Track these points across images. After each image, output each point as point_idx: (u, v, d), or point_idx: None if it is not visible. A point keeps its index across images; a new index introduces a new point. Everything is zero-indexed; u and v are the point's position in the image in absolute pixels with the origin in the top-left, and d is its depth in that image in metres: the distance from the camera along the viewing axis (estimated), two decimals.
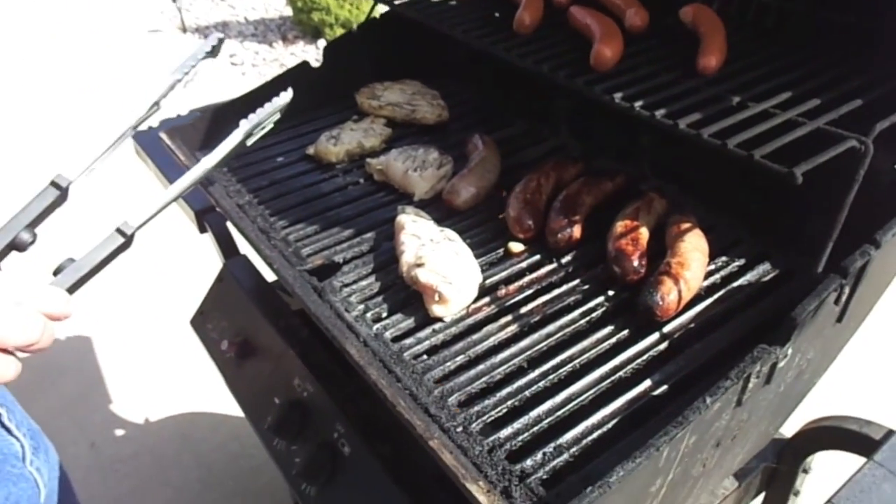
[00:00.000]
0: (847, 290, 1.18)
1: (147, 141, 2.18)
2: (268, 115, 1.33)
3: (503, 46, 1.57)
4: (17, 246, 1.08)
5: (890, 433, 1.51)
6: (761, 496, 1.88)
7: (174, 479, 3.27)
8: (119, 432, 3.53)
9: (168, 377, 3.69)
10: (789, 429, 1.77)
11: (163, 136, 1.98)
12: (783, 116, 1.25)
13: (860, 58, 1.43)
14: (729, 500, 1.72)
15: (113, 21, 8.41)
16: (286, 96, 1.34)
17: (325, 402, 1.67)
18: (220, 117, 2.06)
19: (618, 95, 1.34)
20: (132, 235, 1.10)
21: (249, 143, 1.33)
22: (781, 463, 1.71)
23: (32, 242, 1.10)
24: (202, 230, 2.23)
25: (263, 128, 1.35)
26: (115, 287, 3.92)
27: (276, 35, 8.15)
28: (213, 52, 1.44)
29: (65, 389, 3.69)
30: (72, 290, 1.02)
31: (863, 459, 1.44)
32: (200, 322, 2.24)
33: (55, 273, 1.03)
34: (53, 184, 1.13)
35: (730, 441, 1.31)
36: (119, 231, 1.09)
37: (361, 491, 1.52)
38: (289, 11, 8.24)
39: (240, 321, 2.00)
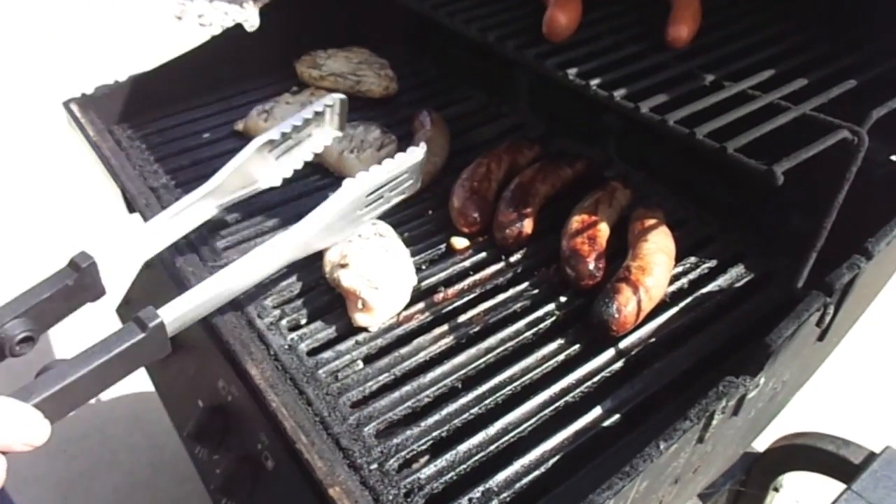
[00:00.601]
0: (831, 310, 1.00)
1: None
2: (388, 178, 1.06)
3: (446, 10, 1.35)
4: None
5: (870, 457, 1.36)
6: None
7: (124, 462, 3.12)
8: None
9: None
10: (762, 442, 1.61)
11: (73, 107, 1.76)
12: (764, 99, 1.06)
13: (855, 30, 1.24)
14: None
15: None
16: (418, 152, 1.09)
17: (250, 408, 1.49)
18: (141, 87, 1.84)
19: (572, 71, 1.14)
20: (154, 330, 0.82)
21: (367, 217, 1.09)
22: (750, 481, 1.56)
23: (25, 341, 0.80)
24: (131, 210, 2.03)
25: (382, 200, 1.09)
26: (62, 260, 3.71)
27: None
28: (324, 116, 1.20)
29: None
30: (49, 406, 0.71)
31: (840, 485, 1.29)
32: (127, 312, 2.05)
33: (37, 374, 0.75)
34: (71, 263, 0.86)
35: (691, 474, 1.14)
36: (137, 322, 0.81)
37: None
38: None
39: None
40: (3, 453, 0.66)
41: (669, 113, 1.02)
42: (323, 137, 1.23)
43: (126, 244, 0.94)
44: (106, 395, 3.35)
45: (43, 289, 0.83)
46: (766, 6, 1.33)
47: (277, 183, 1.22)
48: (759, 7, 1.33)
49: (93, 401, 3.35)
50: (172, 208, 1.02)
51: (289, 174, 1.21)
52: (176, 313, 0.86)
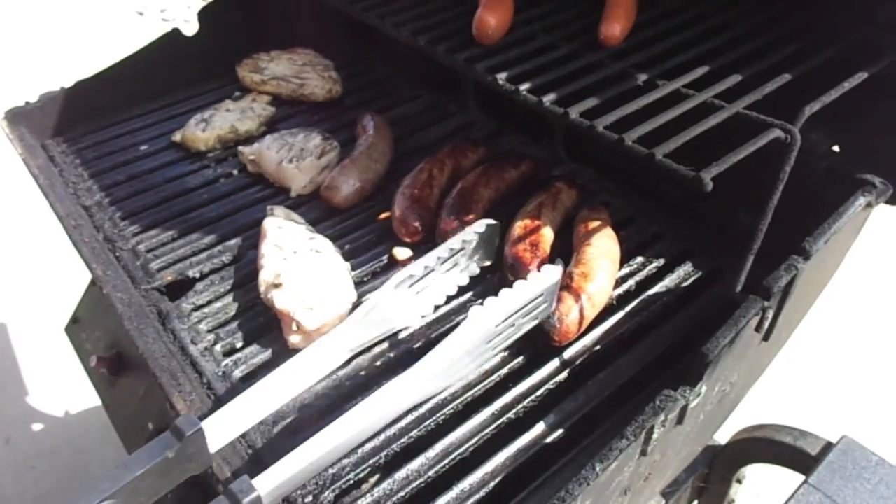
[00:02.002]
0: (770, 313, 0.98)
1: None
2: (522, 304, 0.92)
3: (377, 13, 1.30)
4: None
5: (827, 447, 1.34)
6: None
7: (97, 475, 3.07)
8: (36, 427, 3.28)
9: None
10: (724, 434, 1.60)
11: (3, 123, 1.69)
12: (697, 99, 1.02)
13: (795, 18, 1.21)
14: None
15: None
16: (554, 273, 0.96)
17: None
18: (77, 98, 1.77)
19: (502, 76, 1.10)
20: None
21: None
22: (713, 474, 1.55)
23: None
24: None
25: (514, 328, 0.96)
26: (28, 273, 3.62)
27: None
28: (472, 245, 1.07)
29: None
30: None
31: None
32: (75, 330, 1.99)
33: None
34: (174, 430, 0.73)
35: (642, 482, 1.12)
36: (229, 494, 0.70)
37: None
38: None
39: (115, 331, 1.75)
40: None
41: (600, 117, 0.99)
42: (470, 268, 1.12)
43: (233, 409, 0.82)
44: (75, 408, 3.30)
45: (136, 463, 0.70)
46: None
47: (414, 324, 1.12)
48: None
49: (61, 414, 3.27)
50: (296, 359, 0.92)
51: (429, 312, 1.11)
52: (275, 483, 0.75)
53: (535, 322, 1.04)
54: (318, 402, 1.09)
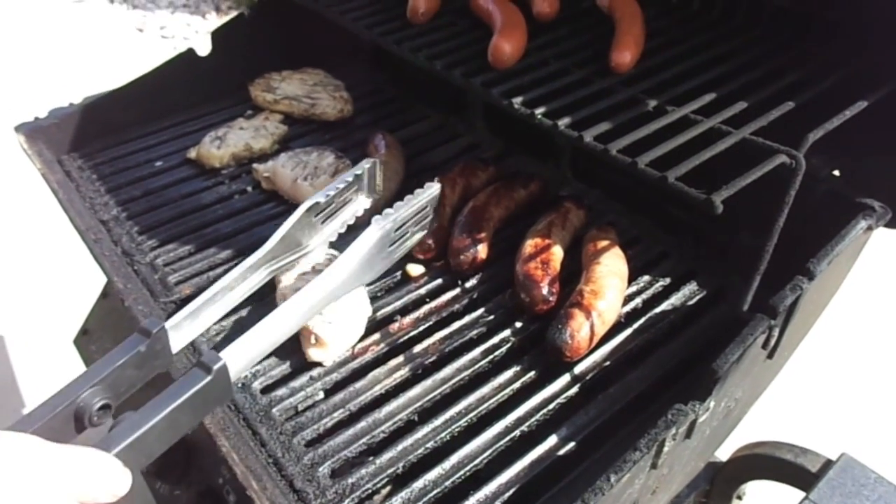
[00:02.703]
0: (776, 332, 1.02)
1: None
2: (410, 214, 1.10)
3: (394, 38, 1.35)
4: (78, 416, 0.76)
5: (827, 465, 1.38)
6: None
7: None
8: None
9: None
10: (725, 451, 1.63)
11: (21, 139, 1.72)
12: (705, 125, 1.07)
13: (797, 47, 1.26)
14: None
15: None
16: (435, 188, 1.13)
17: (209, 442, 1.47)
18: (92, 114, 1.81)
19: (517, 100, 1.14)
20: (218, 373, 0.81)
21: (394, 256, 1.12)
22: (714, 491, 1.57)
23: (102, 409, 0.78)
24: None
25: (408, 235, 1.12)
26: (28, 287, 3.64)
27: (210, 5, 7.69)
28: (363, 180, 1.23)
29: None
30: (128, 456, 0.70)
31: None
32: (84, 342, 2.01)
33: (111, 428, 0.74)
34: (141, 330, 0.84)
35: (650, 496, 1.15)
36: (201, 366, 0.80)
37: None
38: None
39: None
40: None
41: (613, 141, 1.03)
42: (361, 201, 1.28)
43: (186, 313, 0.94)
44: None
45: (116, 357, 0.82)
46: (710, 27, 1.35)
47: (324, 247, 1.26)
48: (704, 28, 1.35)
49: None
50: (226, 278, 1.02)
51: (333, 238, 1.25)
52: (237, 355, 0.86)
53: (424, 232, 1.18)
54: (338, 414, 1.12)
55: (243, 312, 1.29)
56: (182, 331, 0.95)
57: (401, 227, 1.11)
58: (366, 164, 1.25)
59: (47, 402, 0.76)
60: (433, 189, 1.15)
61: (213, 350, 0.84)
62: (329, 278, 1.01)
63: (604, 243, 1.31)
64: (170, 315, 0.99)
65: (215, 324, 1.09)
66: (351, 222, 1.27)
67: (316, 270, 1.24)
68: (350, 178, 1.22)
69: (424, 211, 1.16)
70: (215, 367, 0.81)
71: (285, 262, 1.18)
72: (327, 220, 1.22)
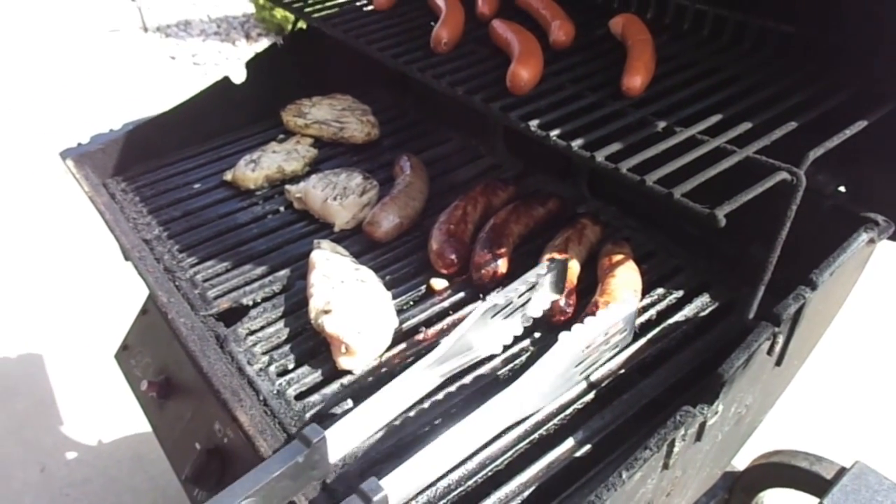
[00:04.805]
0: (781, 339, 1.07)
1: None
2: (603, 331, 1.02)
3: (418, 66, 1.44)
4: None
5: (841, 472, 1.41)
6: None
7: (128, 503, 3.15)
8: (70, 455, 3.38)
9: (121, 396, 3.53)
10: (743, 460, 1.67)
11: (69, 163, 1.84)
12: (711, 144, 1.13)
13: (801, 71, 1.32)
14: None
15: (72, 21, 8.17)
16: (631, 303, 1.10)
17: (246, 449, 1.55)
18: (134, 140, 1.93)
19: (534, 123, 1.22)
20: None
21: None
22: (733, 499, 1.61)
23: None
24: (126, 258, 2.10)
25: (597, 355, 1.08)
26: (66, 304, 3.77)
27: (240, 33, 7.94)
28: (545, 278, 1.17)
29: (14, 410, 3.54)
30: None
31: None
32: (124, 357, 2.11)
33: None
34: (301, 437, 0.82)
35: (664, 498, 1.20)
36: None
37: None
38: (252, 8, 8.04)
39: (163, 357, 1.87)
40: None
41: (623, 161, 1.10)
42: (542, 300, 1.23)
43: (351, 420, 0.94)
44: (108, 437, 3.40)
45: (273, 466, 0.81)
46: (719, 52, 1.42)
47: (497, 350, 1.23)
48: (713, 53, 1.41)
49: (94, 443, 3.36)
50: (394, 384, 1.03)
51: (508, 341, 1.22)
52: (398, 485, 0.84)
53: (616, 351, 1.16)
54: (419, 422, 1.18)
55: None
56: (342, 439, 0.92)
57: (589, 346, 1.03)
58: (553, 265, 1.18)
59: None
60: (629, 305, 1.10)
61: (374, 478, 0.80)
62: (500, 404, 0.99)
63: (619, 257, 1.37)
64: (322, 418, 0.98)
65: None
66: (528, 324, 1.25)
67: None
68: (533, 279, 1.18)
69: (619, 327, 1.09)
70: (375, 498, 0.78)
71: (457, 365, 1.17)
72: (505, 321, 1.18)
